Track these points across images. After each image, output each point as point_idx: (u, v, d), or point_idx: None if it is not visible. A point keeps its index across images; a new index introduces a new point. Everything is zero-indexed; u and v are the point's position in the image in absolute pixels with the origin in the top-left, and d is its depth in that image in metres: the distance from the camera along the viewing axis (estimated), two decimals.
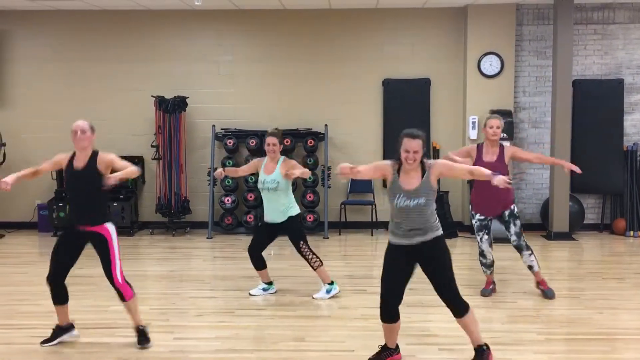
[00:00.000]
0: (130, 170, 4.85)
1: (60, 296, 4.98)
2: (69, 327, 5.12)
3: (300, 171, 6.20)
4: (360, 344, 5.00)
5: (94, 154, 4.88)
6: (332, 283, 6.47)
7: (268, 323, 5.67)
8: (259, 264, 6.50)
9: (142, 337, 5.00)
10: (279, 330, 5.44)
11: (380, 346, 4.75)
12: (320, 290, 6.45)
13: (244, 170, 6.75)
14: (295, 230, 6.39)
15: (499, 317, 5.76)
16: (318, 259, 6.36)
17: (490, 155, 6.23)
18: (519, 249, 6.33)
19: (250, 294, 6.52)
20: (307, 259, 6.35)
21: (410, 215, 4.36)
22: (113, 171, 4.87)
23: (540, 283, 6.45)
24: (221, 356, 4.79)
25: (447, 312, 5.80)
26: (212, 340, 5.14)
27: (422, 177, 4.37)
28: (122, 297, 4.91)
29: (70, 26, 10.62)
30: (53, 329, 5.06)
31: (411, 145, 4.31)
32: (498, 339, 5.13)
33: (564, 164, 6.45)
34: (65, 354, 4.84)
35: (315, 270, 6.38)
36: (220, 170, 6.57)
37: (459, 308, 4.48)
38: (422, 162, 4.40)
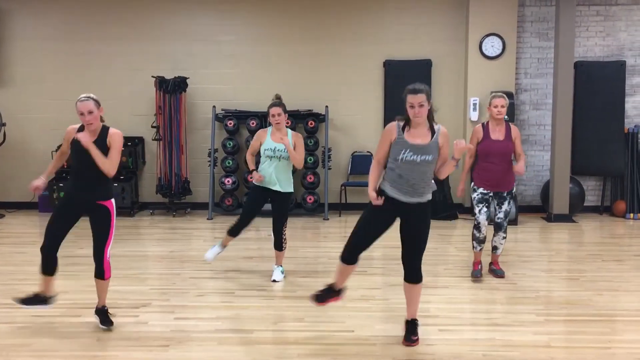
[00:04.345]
0: (104, 160, 4.64)
1: (50, 267, 4.84)
2: (49, 299, 4.97)
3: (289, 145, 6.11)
4: (359, 324, 5.02)
5: (105, 129, 4.78)
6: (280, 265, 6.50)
7: (268, 304, 5.68)
8: (277, 244, 6.43)
9: (106, 318, 4.94)
10: (278, 311, 5.46)
11: (327, 285, 4.79)
12: (275, 272, 6.40)
13: (253, 156, 6.45)
14: (286, 209, 6.38)
15: (499, 299, 5.77)
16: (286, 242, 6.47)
17: (497, 134, 6.28)
18: (499, 227, 6.39)
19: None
20: (281, 239, 6.36)
21: (414, 171, 4.39)
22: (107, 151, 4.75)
23: (494, 264, 6.59)
24: (222, 336, 4.80)
25: (446, 294, 5.87)
26: (212, 320, 5.15)
27: (432, 137, 4.47)
28: (102, 275, 4.84)
29: (71, 5, 10.56)
30: (35, 293, 4.93)
31: (415, 99, 4.50)
32: (498, 319, 5.16)
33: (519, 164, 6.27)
34: (66, 333, 4.85)
35: (281, 250, 6.40)
36: (257, 175, 6.21)
37: (418, 275, 4.57)
38: (431, 125, 4.53)
